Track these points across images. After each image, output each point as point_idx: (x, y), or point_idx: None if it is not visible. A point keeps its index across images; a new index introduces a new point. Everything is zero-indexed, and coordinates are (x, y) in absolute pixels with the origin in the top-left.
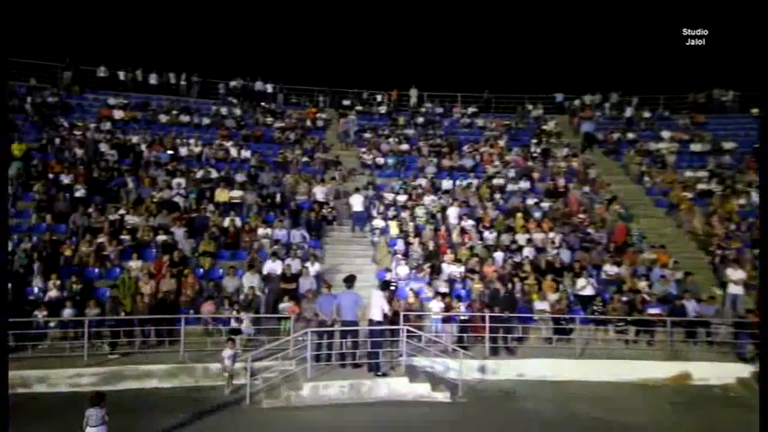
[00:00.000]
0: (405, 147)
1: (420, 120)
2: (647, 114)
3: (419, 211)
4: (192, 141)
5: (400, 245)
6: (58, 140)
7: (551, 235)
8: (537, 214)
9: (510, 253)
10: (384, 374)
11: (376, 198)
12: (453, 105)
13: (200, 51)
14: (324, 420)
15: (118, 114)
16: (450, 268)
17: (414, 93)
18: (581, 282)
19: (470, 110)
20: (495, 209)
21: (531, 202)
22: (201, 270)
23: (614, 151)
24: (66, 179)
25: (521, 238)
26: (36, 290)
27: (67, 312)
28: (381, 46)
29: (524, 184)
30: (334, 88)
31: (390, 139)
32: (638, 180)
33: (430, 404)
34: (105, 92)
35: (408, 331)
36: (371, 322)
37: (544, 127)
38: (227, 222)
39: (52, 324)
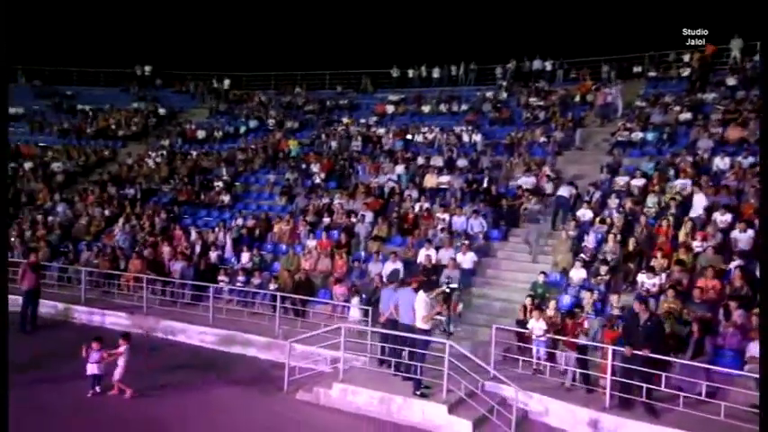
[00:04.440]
0: (686, 116)
1: (731, 80)
2: None
3: (650, 200)
4: (428, 128)
5: (590, 241)
6: (323, 136)
7: None
8: None
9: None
10: (423, 395)
11: (606, 182)
12: None
13: (477, 40)
14: (338, 430)
15: (390, 109)
16: (642, 278)
17: (736, 44)
18: None
19: None
20: None
21: None
22: (362, 254)
23: None
24: (314, 168)
25: None
26: (233, 259)
27: (239, 280)
28: None
29: None
30: (626, 54)
31: (671, 108)
32: None
33: None
34: (391, 90)
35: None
36: (400, 326)
37: None
38: (416, 208)
39: (226, 288)
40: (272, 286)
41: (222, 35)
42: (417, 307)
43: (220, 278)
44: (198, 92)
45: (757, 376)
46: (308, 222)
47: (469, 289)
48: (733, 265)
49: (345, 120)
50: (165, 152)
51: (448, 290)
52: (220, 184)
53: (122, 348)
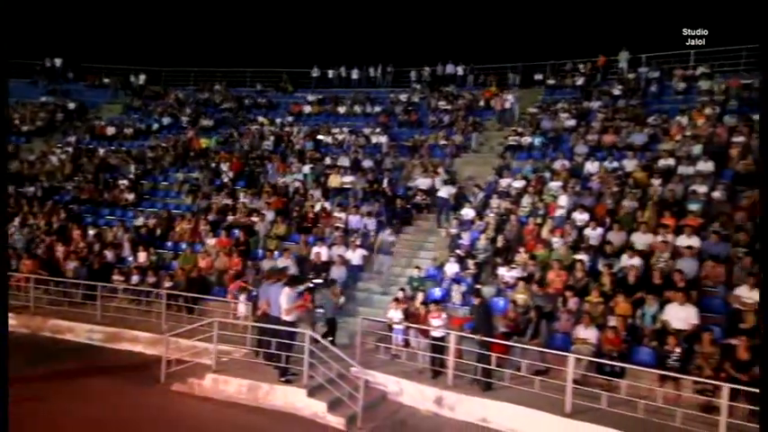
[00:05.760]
0: (570, 123)
1: (616, 90)
2: None
3: (525, 201)
4: (338, 130)
5: (466, 238)
6: (236, 135)
7: (693, 239)
8: (694, 207)
9: (606, 258)
10: (288, 381)
11: (492, 184)
12: (675, 67)
13: (395, 43)
14: (204, 417)
15: (306, 109)
16: (501, 271)
17: (624, 56)
18: (675, 309)
19: (701, 70)
20: (633, 199)
21: (701, 189)
22: (261, 251)
23: None
24: (223, 167)
25: (639, 240)
26: (130, 258)
27: (134, 279)
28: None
29: (706, 166)
30: (531, 62)
31: (562, 114)
32: None
33: (323, 427)
34: (308, 90)
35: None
36: (270, 319)
37: None
38: (317, 207)
39: (121, 287)
40: (167, 284)
41: (141, 28)
42: (282, 300)
43: (114, 277)
44: (112, 86)
45: (580, 356)
46: (208, 221)
47: (356, 283)
48: (578, 257)
49: (261, 119)
50: (70, 149)
51: (312, 284)
52: (125, 182)
53: None
